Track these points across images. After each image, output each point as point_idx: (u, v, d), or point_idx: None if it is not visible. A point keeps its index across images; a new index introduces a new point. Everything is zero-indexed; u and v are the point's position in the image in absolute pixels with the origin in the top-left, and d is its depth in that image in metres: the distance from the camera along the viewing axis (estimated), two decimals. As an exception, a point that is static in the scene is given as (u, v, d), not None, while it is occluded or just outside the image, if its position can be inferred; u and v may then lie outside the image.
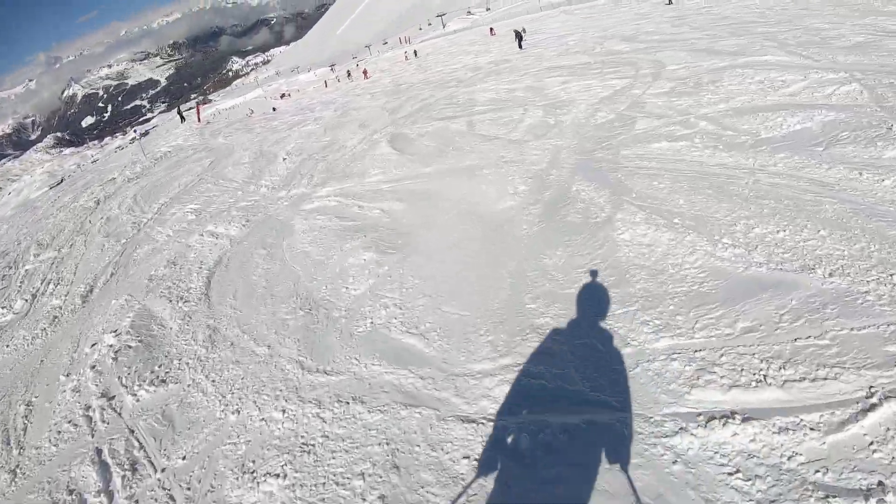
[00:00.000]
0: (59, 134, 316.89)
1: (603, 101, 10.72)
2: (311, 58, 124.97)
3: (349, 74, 47.36)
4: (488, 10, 72.22)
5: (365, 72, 40.12)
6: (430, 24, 73.08)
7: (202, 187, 12.42)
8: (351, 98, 23.57)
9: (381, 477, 3.32)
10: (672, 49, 14.23)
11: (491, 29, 44.54)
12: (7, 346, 7.13)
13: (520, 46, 26.32)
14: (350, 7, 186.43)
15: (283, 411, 4.17)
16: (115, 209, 12.84)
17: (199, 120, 34.49)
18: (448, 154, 9.89)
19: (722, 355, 3.48)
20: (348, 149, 12.53)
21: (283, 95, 56.57)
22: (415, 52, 46.50)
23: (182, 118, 38.41)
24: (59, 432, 4.82)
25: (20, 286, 9.40)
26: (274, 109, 33.73)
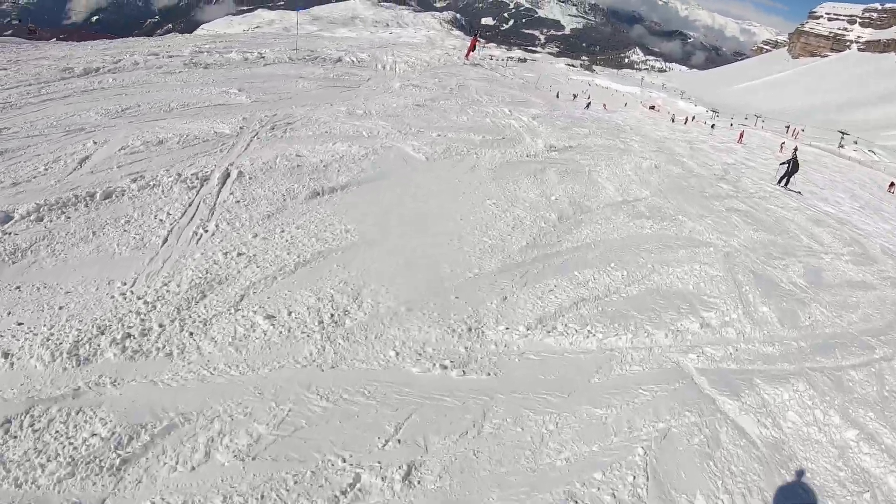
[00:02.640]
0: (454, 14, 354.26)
1: None
2: (700, 94, 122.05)
3: (689, 119, 44.78)
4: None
5: (741, 135, 34.80)
6: (843, 137, 64.71)
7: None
8: (603, 152, 12.24)
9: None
10: None
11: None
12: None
13: (785, 182, 15.26)
14: (762, 72, 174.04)
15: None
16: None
17: (467, 56, 29.91)
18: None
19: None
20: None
21: (652, 107, 54.72)
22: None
23: (473, 49, 31.88)
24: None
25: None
26: (588, 106, 30.47)
